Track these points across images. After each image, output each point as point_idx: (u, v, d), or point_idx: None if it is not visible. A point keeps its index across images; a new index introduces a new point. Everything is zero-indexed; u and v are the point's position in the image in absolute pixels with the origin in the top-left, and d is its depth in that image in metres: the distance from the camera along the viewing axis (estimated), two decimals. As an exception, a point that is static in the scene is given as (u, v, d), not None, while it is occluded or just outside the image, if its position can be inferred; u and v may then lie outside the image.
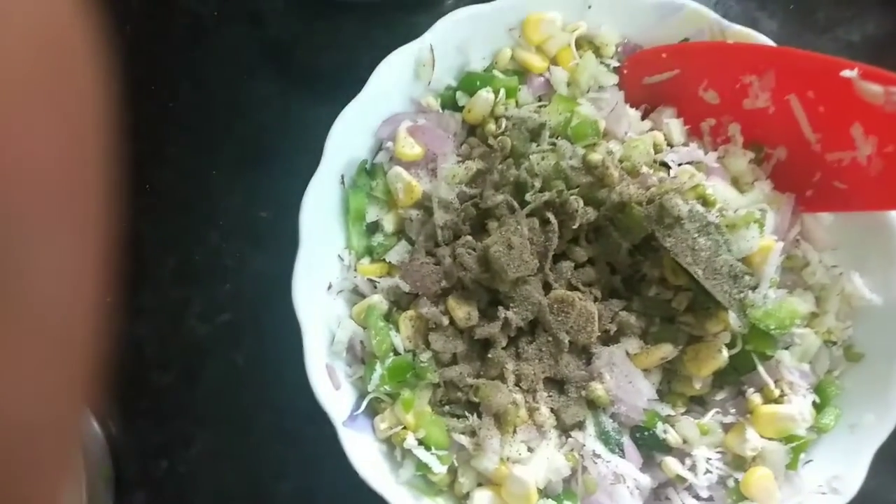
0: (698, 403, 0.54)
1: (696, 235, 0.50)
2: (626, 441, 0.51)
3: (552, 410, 0.51)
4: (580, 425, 0.51)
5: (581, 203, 0.51)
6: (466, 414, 0.51)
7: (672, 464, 0.51)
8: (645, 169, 0.54)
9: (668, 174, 0.54)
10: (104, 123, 0.26)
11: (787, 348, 0.53)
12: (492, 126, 0.56)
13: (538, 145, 0.55)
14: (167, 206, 0.67)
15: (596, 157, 0.52)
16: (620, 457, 0.50)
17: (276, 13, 0.72)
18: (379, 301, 0.53)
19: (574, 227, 0.51)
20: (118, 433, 0.63)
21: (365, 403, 0.51)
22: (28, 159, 0.22)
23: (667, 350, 0.51)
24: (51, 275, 0.23)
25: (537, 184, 0.52)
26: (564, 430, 0.51)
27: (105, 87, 0.26)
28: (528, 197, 0.52)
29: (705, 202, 0.52)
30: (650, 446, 0.52)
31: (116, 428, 0.64)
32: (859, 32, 0.73)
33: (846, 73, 0.49)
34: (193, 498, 0.62)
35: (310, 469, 0.61)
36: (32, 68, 0.22)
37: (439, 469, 0.49)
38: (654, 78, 0.58)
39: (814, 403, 0.52)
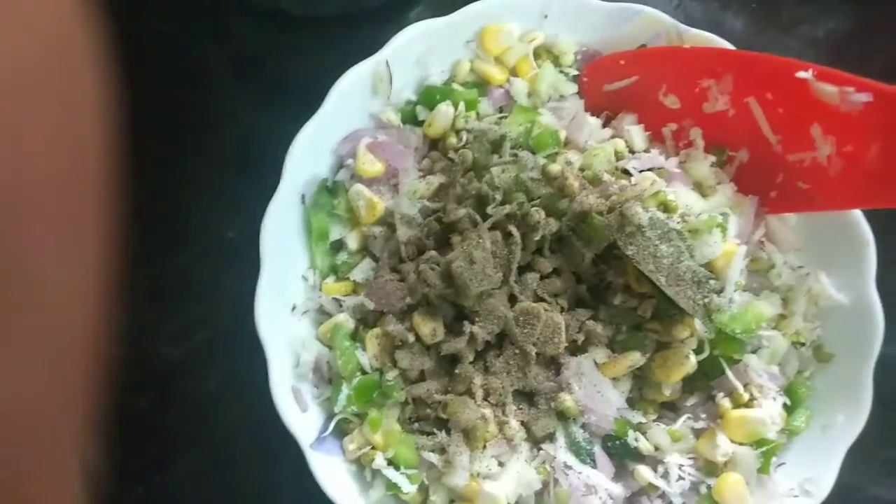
0: (669, 409, 0.54)
1: (657, 243, 0.49)
2: (598, 451, 0.51)
3: (522, 423, 0.51)
4: (551, 437, 0.51)
5: (542, 214, 0.51)
6: (435, 431, 0.50)
7: (644, 472, 0.51)
8: (606, 177, 0.53)
9: (630, 181, 0.54)
10: (105, 124, 0.26)
11: (755, 351, 0.53)
12: (453, 139, 0.56)
13: (500, 157, 0.55)
14: (136, 225, 0.66)
15: (555, 167, 0.52)
16: (592, 467, 0.50)
17: (242, 28, 0.72)
18: (345, 320, 0.53)
19: (536, 238, 0.51)
20: (93, 457, 0.63)
21: (332, 425, 0.51)
22: (32, 158, 0.22)
23: (634, 358, 0.51)
24: (54, 274, 0.23)
25: (498, 196, 0.52)
26: (535, 442, 0.51)
27: (106, 89, 0.26)
28: (489, 210, 0.52)
29: (666, 208, 0.52)
30: (622, 455, 0.52)
31: (92, 451, 0.63)
32: (823, 29, 0.73)
33: (801, 74, 0.49)
34: (171, 523, 0.62)
35: (288, 491, 0.60)
36: (37, 69, 0.22)
37: (409, 488, 0.49)
38: (613, 85, 0.58)
39: (785, 405, 0.52)
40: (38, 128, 0.22)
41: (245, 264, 0.57)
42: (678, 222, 0.51)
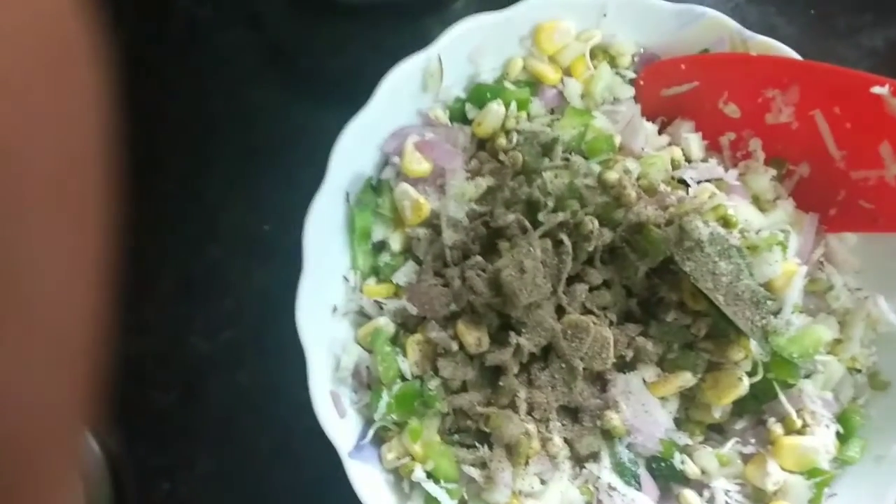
0: (716, 432, 0.52)
1: (716, 259, 0.47)
2: (643, 472, 0.49)
3: (566, 440, 0.49)
4: (595, 456, 0.49)
5: (596, 224, 0.49)
6: (477, 444, 0.49)
7: (690, 497, 0.49)
8: (662, 187, 0.51)
9: (687, 192, 0.52)
10: (103, 122, 0.25)
11: (808, 376, 0.51)
12: (502, 140, 0.54)
13: (551, 161, 0.53)
14: (165, 218, 0.65)
15: (613, 175, 0.49)
16: (637, 489, 0.48)
17: (277, 16, 0.70)
18: (385, 324, 0.51)
19: (589, 248, 0.49)
20: (118, 454, 0.62)
21: (371, 432, 0.49)
22: (29, 158, 0.21)
23: (685, 378, 0.49)
24: (51, 276, 0.23)
25: (550, 203, 0.50)
26: (578, 460, 0.50)
27: (104, 86, 0.25)
28: (540, 217, 0.50)
29: (726, 223, 0.50)
30: (667, 477, 0.50)
31: (117, 449, 0.62)
32: (882, 38, 0.71)
33: (877, 89, 0.47)
34: (195, 521, 0.60)
35: (315, 493, 0.59)
36: (33, 66, 0.22)
37: (449, 503, 0.47)
38: (671, 90, 0.56)
39: (837, 434, 0.50)
40: (34, 127, 0.22)
41: (277, 259, 0.55)
42: (738, 238, 0.49)
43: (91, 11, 0.26)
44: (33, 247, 0.22)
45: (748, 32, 0.54)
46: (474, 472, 0.48)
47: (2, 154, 0.20)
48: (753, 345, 0.49)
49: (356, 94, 0.53)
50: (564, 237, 0.50)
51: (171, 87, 0.67)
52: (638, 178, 0.52)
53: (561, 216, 0.49)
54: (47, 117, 0.22)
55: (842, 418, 0.51)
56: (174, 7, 0.69)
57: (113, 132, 0.26)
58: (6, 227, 0.20)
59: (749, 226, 0.51)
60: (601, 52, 0.57)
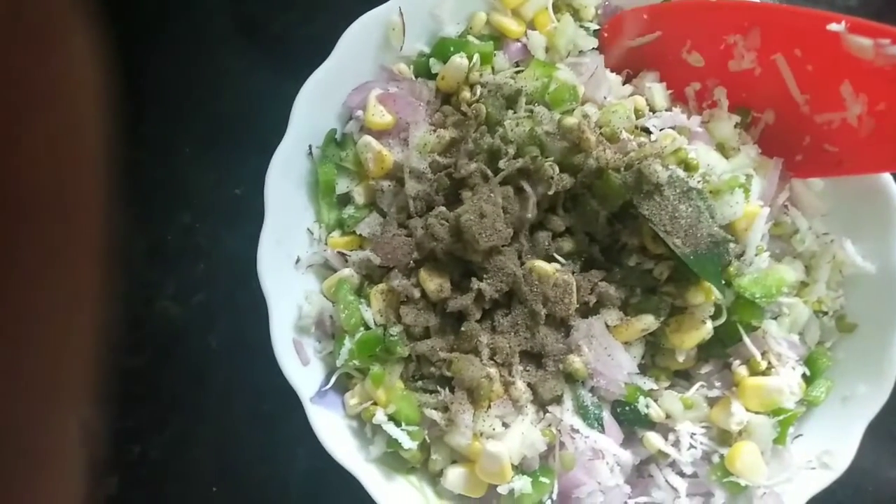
0: (683, 377, 0.52)
1: (676, 202, 0.47)
2: (606, 416, 0.49)
3: (529, 385, 0.49)
4: (558, 400, 0.49)
5: (556, 170, 0.49)
6: (439, 389, 0.49)
7: (654, 439, 0.49)
8: (625, 135, 0.51)
9: (650, 139, 0.52)
10: (100, 116, 0.26)
11: (775, 318, 0.50)
12: (466, 93, 0.54)
13: (515, 112, 0.53)
14: (137, 184, 0.65)
15: (571, 120, 0.49)
16: (600, 432, 0.48)
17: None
18: (350, 275, 0.51)
19: (550, 193, 0.49)
20: (90, 417, 0.62)
21: (334, 378, 0.49)
22: (28, 151, 0.22)
23: (648, 321, 0.49)
24: (52, 268, 0.23)
25: (511, 151, 0.50)
26: (542, 404, 0.49)
27: (101, 81, 0.26)
28: (501, 164, 0.50)
29: (687, 167, 0.50)
30: (632, 421, 0.50)
31: (89, 412, 0.62)
32: (856, -3, 0.71)
33: (833, 26, 0.47)
34: (167, 483, 0.60)
35: (285, 452, 0.59)
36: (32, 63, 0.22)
37: (409, 445, 0.47)
38: (635, 41, 0.56)
39: (804, 376, 0.50)
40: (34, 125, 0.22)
41: (250, 223, 0.55)
42: (699, 182, 0.49)
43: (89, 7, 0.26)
44: (31, 240, 0.22)
45: (709, -20, 0.54)
46: (436, 416, 0.48)
47: None
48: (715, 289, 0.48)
49: (325, 58, 0.53)
50: (525, 183, 0.50)
51: (144, 55, 0.68)
52: (600, 126, 0.52)
53: (520, 162, 0.49)
54: (47, 114, 0.23)
55: (809, 360, 0.51)
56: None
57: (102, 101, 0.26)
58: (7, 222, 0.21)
59: (712, 170, 0.51)
60: (564, 5, 0.57)
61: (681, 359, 0.50)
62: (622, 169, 0.49)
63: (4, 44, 0.23)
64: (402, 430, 0.47)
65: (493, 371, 0.48)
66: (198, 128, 0.66)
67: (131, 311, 0.63)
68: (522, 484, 0.47)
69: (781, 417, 0.48)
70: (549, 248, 0.50)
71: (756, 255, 0.49)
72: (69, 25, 0.26)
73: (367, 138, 0.53)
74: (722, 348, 0.51)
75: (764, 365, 0.49)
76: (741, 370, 0.49)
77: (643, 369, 0.51)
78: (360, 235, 0.53)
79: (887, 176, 0.51)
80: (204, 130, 0.66)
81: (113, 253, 0.64)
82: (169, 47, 0.68)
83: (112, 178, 0.65)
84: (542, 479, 0.47)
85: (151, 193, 0.65)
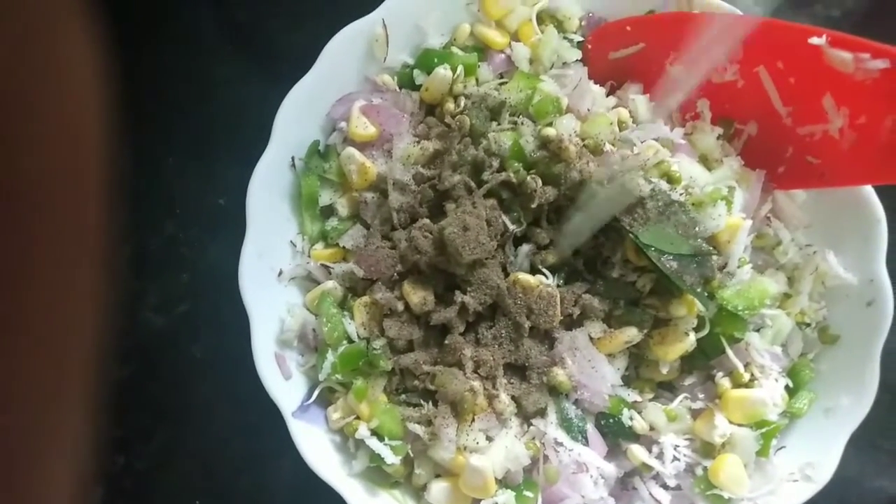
0: (666, 389, 0.52)
1: (658, 215, 0.47)
2: (590, 429, 0.49)
3: (513, 397, 0.49)
4: (542, 412, 0.49)
5: (539, 182, 0.49)
6: (422, 402, 0.49)
7: (638, 451, 0.49)
8: (608, 146, 0.51)
9: (633, 151, 0.52)
10: (101, 120, 0.26)
11: (757, 330, 0.50)
12: (450, 105, 0.54)
13: (499, 124, 0.53)
14: (121, 193, 0.64)
15: (551, 131, 0.50)
16: (584, 445, 0.48)
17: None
18: (333, 287, 0.51)
19: (533, 206, 0.49)
20: (81, 428, 0.61)
21: (316, 393, 0.49)
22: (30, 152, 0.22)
23: (631, 333, 0.49)
24: (52, 266, 0.23)
25: (495, 163, 0.50)
26: (526, 417, 0.49)
27: (103, 87, 0.26)
28: (485, 176, 0.50)
29: (670, 180, 0.50)
30: (616, 434, 0.50)
31: (80, 422, 0.62)
32: (839, 7, 0.71)
33: (814, 40, 0.47)
34: (152, 494, 0.60)
35: (270, 463, 0.59)
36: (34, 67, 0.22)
37: (392, 460, 0.47)
38: (619, 53, 0.56)
39: (787, 388, 0.50)
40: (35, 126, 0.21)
41: (234, 233, 0.55)
42: (681, 194, 0.49)
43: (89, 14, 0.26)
44: (33, 240, 0.22)
45: (692, -8, 0.54)
46: (419, 430, 0.48)
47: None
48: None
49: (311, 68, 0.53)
50: (509, 195, 0.50)
51: (129, 62, 0.67)
52: (583, 138, 0.52)
53: (504, 175, 0.49)
54: (48, 115, 0.23)
55: (791, 372, 0.51)
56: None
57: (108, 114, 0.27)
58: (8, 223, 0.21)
59: (694, 182, 0.51)
60: (548, 17, 0.57)
61: (664, 371, 0.50)
62: (605, 182, 0.49)
63: None
64: (385, 444, 0.47)
65: (476, 384, 0.48)
66: (183, 136, 0.66)
67: (114, 320, 0.63)
68: (506, 498, 0.47)
69: (764, 430, 0.48)
70: (532, 261, 0.50)
71: (739, 266, 0.50)
72: (61, 30, 0.26)
73: (351, 150, 0.52)
74: (705, 360, 0.51)
75: (747, 377, 0.49)
76: (724, 382, 0.49)
77: (627, 381, 0.51)
78: (344, 248, 0.52)
79: (869, 188, 0.51)
80: (189, 139, 0.66)
81: (98, 261, 0.64)
82: (154, 56, 0.68)
83: (99, 186, 0.65)
84: (527, 493, 0.47)
85: (135, 202, 0.64)
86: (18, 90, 0.24)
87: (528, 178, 0.49)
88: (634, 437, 0.50)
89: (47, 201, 0.24)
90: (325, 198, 0.53)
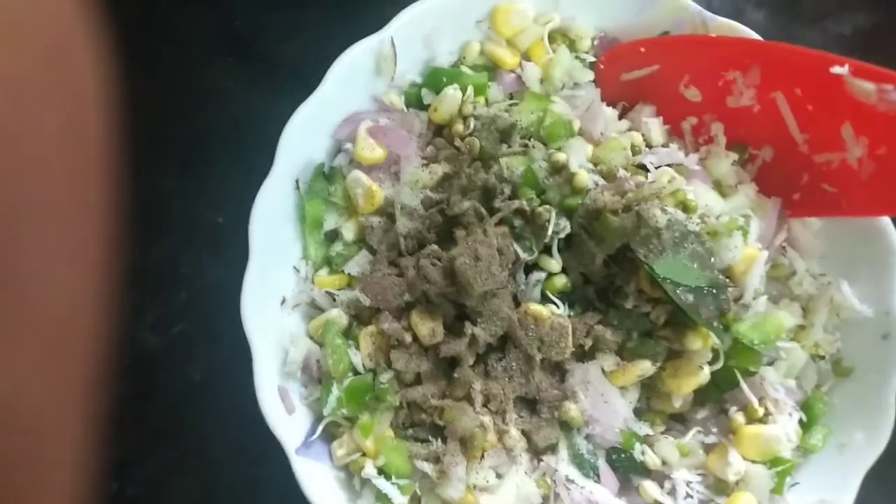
0: (678, 421, 0.51)
1: (674, 246, 0.46)
2: (602, 464, 0.48)
3: (523, 432, 0.48)
4: (553, 448, 0.48)
5: (553, 213, 0.48)
6: (430, 438, 0.47)
7: (650, 488, 0.48)
8: (621, 172, 0.50)
9: (647, 178, 0.50)
10: (105, 113, 0.26)
11: (771, 363, 0.50)
12: (459, 126, 0.52)
13: (509, 147, 0.51)
14: (119, 207, 0.62)
15: (562, 156, 0.48)
16: (595, 481, 0.47)
17: (234, 3, 0.68)
18: (338, 316, 0.50)
19: (546, 238, 0.48)
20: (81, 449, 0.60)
21: (321, 428, 0.48)
22: (31, 151, 0.22)
23: (644, 367, 0.48)
24: (52, 272, 0.23)
25: (507, 190, 0.49)
26: (536, 453, 0.48)
27: (104, 85, 0.26)
28: (496, 204, 0.48)
29: (685, 208, 0.48)
30: (627, 469, 0.49)
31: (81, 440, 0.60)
32: (849, 24, 0.70)
33: (836, 69, 0.46)
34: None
35: (269, 492, 0.57)
36: (36, 67, 0.22)
37: (400, 500, 0.46)
38: (632, 74, 0.54)
39: (800, 422, 0.49)
40: (35, 122, 0.23)
41: (233, 251, 0.54)
42: (697, 224, 0.48)
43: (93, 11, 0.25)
44: (34, 242, 0.22)
45: (708, 14, 0.53)
46: (427, 467, 0.46)
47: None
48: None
49: (313, 80, 0.51)
50: (521, 224, 0.48)
51: (124, 70, 0.65)
52: (595, 164, 0.50)
53: (517, 204, 0.48)
54: (48, 115, 0.23)
55: (805, 406, 0.50)
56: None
57: (110, 120, 0.25)
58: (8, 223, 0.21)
59: (710, 211, 0.50)
60: (560, 36, 0.55)
61: (677, 404, 0.49)
62: (620, 211, 0.47)
63: None
64: (392, 483, 0.46)
65: (486, 419, 0.47)
66: (179, 148, 0.64)
67: (110, 338, 0.61)
68: (516, 537, 0.46)
69: (780, 468, 0.47)
70: (543, 290, 0.49)
71: (754, 298, 0.48)
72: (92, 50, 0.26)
73: (357, 173, 0.51)
74: (718, 393, 0.50)
75: (761, 412, 0.48)
76: (738, 417, 0.48)
77: (638, 413, 0.50)
78: (349, 274, 0.51)
79: (886, 219, 0.50)
80: (185, 152, 0.64)
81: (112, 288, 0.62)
82: (148, 61, 0.65)
83: (111, 213, 0.63)
84: (537, 532, 0.46)
85: (133, 217, 0.62)
86: (25, 125, 0.23)
87: (542, 209, 0.47)
88: (646, 472, 0.49)
89: (40, 214, 0.23)
90: (331, 222, 0.52)
